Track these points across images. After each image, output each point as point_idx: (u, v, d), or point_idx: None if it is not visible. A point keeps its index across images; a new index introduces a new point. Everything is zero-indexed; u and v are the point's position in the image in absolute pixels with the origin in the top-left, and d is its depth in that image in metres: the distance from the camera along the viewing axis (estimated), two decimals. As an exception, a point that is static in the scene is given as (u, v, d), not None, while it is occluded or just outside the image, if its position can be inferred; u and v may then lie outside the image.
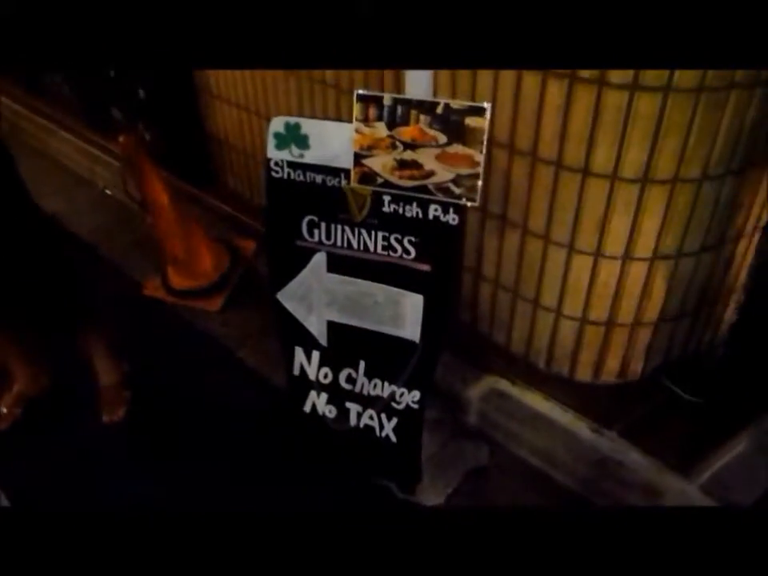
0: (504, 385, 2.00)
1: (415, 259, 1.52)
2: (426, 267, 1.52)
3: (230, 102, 2.64)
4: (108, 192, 3.25)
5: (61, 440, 2.00)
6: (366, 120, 1.43)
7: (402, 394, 1.68)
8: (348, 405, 1.76)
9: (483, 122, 1.35)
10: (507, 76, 1.63)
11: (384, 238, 1.53)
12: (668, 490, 1.67)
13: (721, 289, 1.87)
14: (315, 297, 1.66)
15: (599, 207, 1.65)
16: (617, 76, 1.46)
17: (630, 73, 1.45)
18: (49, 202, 3.31)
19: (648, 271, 1.72)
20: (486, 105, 1.33)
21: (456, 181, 1.41)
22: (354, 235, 1.56)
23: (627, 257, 1.70)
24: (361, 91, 1.41)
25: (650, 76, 1.44)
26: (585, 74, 1.50)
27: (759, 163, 1.63)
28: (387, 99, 1.40)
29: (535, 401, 1.94)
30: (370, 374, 1.70)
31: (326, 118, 2.22)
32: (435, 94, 1.78)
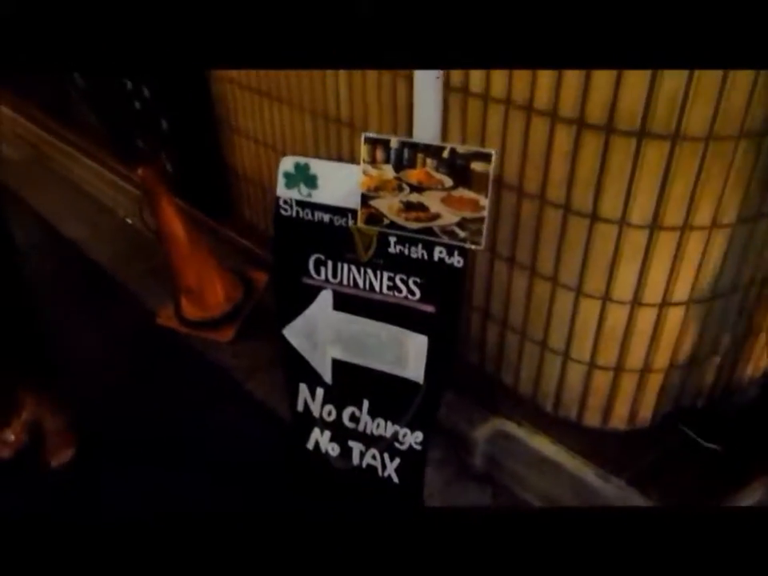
0: (510, 427, 1.98)
1: (420, 300, 1.53)
2: (430, 308, 1.52)
3: (249, 136, 2.69)
4: (128, 220, 3.31)
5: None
6: (373, 162, 1.45)
7: (404, 435, 1.66)
8: (351, 443, 1.75)
9: (489, 168, 1.35)
10: (516, 120, 1.65)
11: (389, 278, 1.54)
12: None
13: (734, 336, 1.85)
14: (320, 334, 1.67)
15: (607, 252, 1.64)
16: (624, 123, 1.47)
17: (638, 120, 1.45)
18: (71, 229, 3.40)
19: (657, 317, 1.70)
20: (492, 151, 1.34)
21: (461, 224, 1.42)
22: (359, 274, 1.57)
23: (636, 302, 1.69)
24: (368, 134, 1.43)
25: (658, 123, 1.44)
26: (592, 119, 1.51)
27: (771, 212, 1.62)
28: (394, 142, 1.42)
29: (542, 444, 1.91)
30: (373, 413, 1.69)
31: (339, 156, 2.25)
32: (445, 135, 1.81)
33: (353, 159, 1.46)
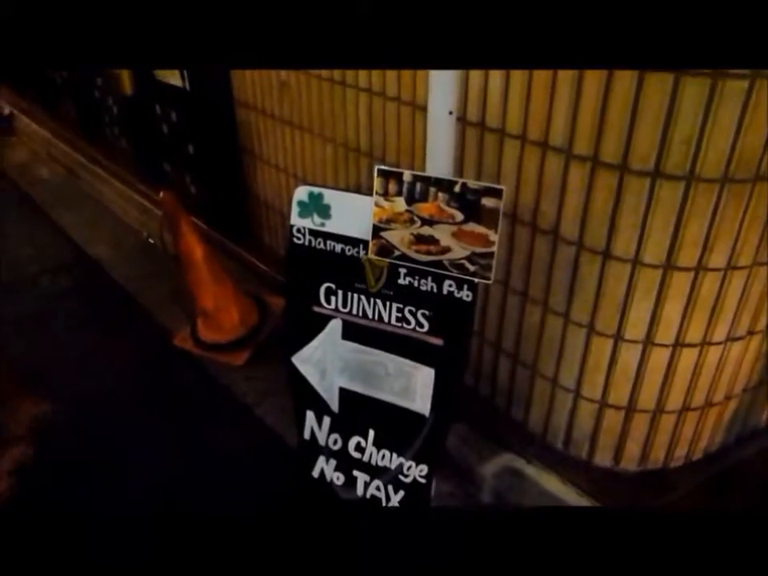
0: (520, 464, 1.95)
1: (428, 332, 1.53)
2: (438, 341, 1.52)
3: (270, 163, 2.74)
4: (151, 241, 3.37)
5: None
6: (386, 194, 1.47)
7: (409, 467, 1.65)
8: (356, 473, 1.74)
9: (499, 203, 1.36)
10: (531, 156, 1.65)
11: (398, 310, 1.54)
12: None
13: (749, 381, 1.81)
14: (329, 363, 1.67)
15: (620, 290, 1.62)
16: (638, 162, 1.46)
17: (652, 160, 1.45)
18: (96, 249, 3.47)
19: (670, 358, 1.68)
20: (502, 186, 1.35)
21: (471, 258, 1.42)
22: (369, 305, 1.57)
23: (648, 342, 1.67)
24: (381, 167, 1.45)
25: (672, 164, 1.44)
26: (607, 158, 1.51)
27: (789, 255, 1.60)
28: (407, 176, 1.43)
29: (550, 483, 1.88)
30: (378, 444, 1.69)
31: (358, 185, 2.28)
32: (461, 170, 1.82)
33: (371, 188, 1.47)
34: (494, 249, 1.39)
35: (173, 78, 2.90)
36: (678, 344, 1.65)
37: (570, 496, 1.84)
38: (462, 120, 1.75)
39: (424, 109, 1.84)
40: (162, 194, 2.36)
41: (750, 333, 1.70)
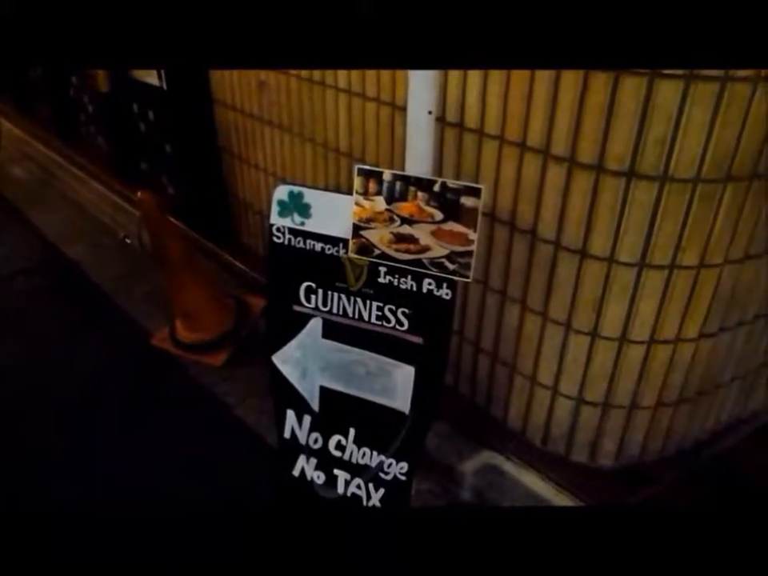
0: (499, 461, 1.97)
1: (408, 331, 1.54)
2: (418, 339, 1.53)
3: (250, 162, 2.73)
4: (128, 241, 3.34)
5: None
6: (365, 193, 1.48)
7: (389, 465, 1.66)
8: (336, 472, 1.75)
9: (478, 202, 1.38)
10: (510, 157, 1.68)
11: (378, 308, 1.55)
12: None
13: (722, 376, 1.85)
14: (309, 361, 1.68)
15: (596, 288, 1.65)
16: (614, 163, 1.49)
17: (627, 161, 1.48)
18: (73, 249, 3.43)
19: (645, 355, 1.71)
20: (481, 186, 1.36)
21: (450, 257, 1.43)
22: (349, 304, 1.58)
23: (624, 339, 1.70)
24: (361, 166, 1.46)
25: (647, 165, 1.47)
26: (583, 159, 1.53)
27: (759, 255, 1.63)
28: (387, 175, 1.44)
29: (529, 479, 1.91)
30: (359, 443, 1.69)
31: (338, 184, 2.28)
32: (440, 170, 1.84)
33: (351, 188, 1.48)
34: (473, 248, 1.40)
35: (149, 76, 2.88)
36: (653, 341, 1.69)
37: (548, 492, 1.87)
38: (441, 120, 1.77)
39: (403, 109, 1.85)
40: (139, 193, 2.34)
41: (722, 329, 1.74)
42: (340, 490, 1.76)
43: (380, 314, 1.55)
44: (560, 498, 1.85)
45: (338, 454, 1.73)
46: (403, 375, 1.57)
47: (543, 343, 1.82)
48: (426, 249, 1.45)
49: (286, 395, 1.73)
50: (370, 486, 1.71)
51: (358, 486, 1.72)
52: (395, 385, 1.59)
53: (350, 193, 1.50)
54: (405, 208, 1.45)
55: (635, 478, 1.88)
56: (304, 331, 1.65)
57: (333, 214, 1.53)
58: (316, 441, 1.75)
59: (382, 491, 1.70)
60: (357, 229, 1.50)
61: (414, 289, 1.49)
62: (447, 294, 1.47)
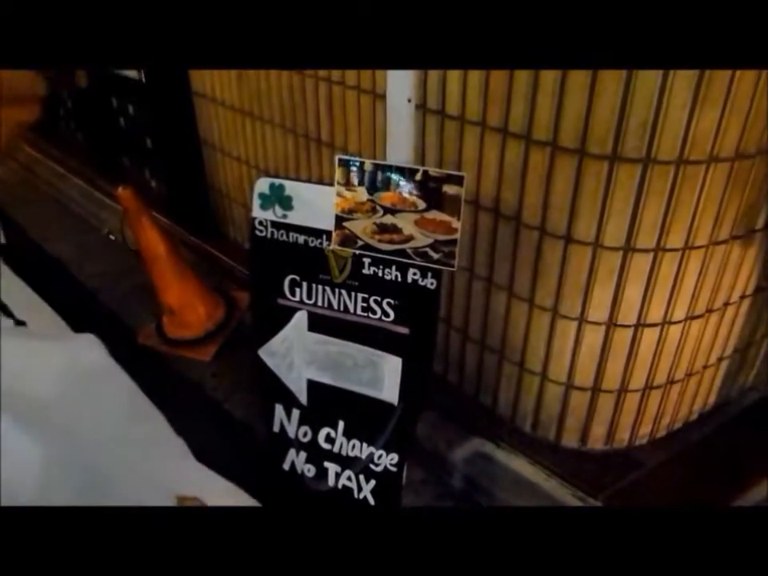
0: (489, 448, 1.97)
1: (394, 321, 1.53)
2: (404, 330, 1.52)
3: (231, 155, 2.70)
4: (112, 237, 3.31)
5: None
6: (347, 184, 1.46)
7: (380, 456, 1.66)
8: (327, 465, 1.74)
9: (461, 190, 1.36)
10: (492, 144, 1.66)
11: (363, 300, 1.54)
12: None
13: (708, 359, 1.85)
14: (296, 355, 1.67)
15: (582, 273, 1.65)
16: (596, 146, 1.48)
17: (609, 144, 1.46)
18: (56, 247, 3.39)
19: (633, 338, 1.71)
20: (463, 174, 1.35)
21: (434, 246, 1.42)
22: (334, 296, 1.57)
23: (611, 323, 1.69)
24: (342, 156, 1.44)
25: (630, 147, 1.46)
26: (566, 143, 1.52)
27: (744, 236, 1.63)
28: (368, 165, 1.43)
29: (520, 465, 1.91)
30: (348, 435, 1.69)
31: (320, 176, 2.26)
32: (423, 158, 1.82)
33: (332, 179, 1.47)
34: (457, 236, 1.39)
35: (128, 70, 2.84)
36: (640, 324, 1.68)
37: (539, 477, 1.87)
38: (422, 107, 1.74)
39: (384, 97, 1.84)
40: (120, 189, 2.31)
41: (709, 311, 1.74)
42: (330, 482, 1.75)
43: (365, 305, 1.54)
44: (550, 484, 1.86)
45: (327, 446, 1.72)
46: (390, 366, 1.56)
47: (531, 329, 1.81)
48: (410, 238, 1.44)
49: (273, 390, 1.72)
50: (361, 477, 1.70)
51: (349, 479, 1.72)
52: (383, 376, 1.58)
53: (332, 184, 1.48)
54: (387, 198, 1.44)
55: (625, 462, 1.89)
56: (289, 325, 1.64)
57: (315, 206, 1.51)
58: (305, 434, 1.74)
59: (373, 482, 1.69)
60: (339, 220, 1.48)
61: (399, 279, 1.48)
62: (432, 284, 1.46)
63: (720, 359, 1.89)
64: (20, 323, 1.85)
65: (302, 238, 1.55)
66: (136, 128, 3.09)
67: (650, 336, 1.71)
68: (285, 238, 1.56)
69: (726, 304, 1.77)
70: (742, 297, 1.78)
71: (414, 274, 1.47)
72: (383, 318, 1.53)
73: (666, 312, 1.68)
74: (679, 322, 1.71)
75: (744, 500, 1.75)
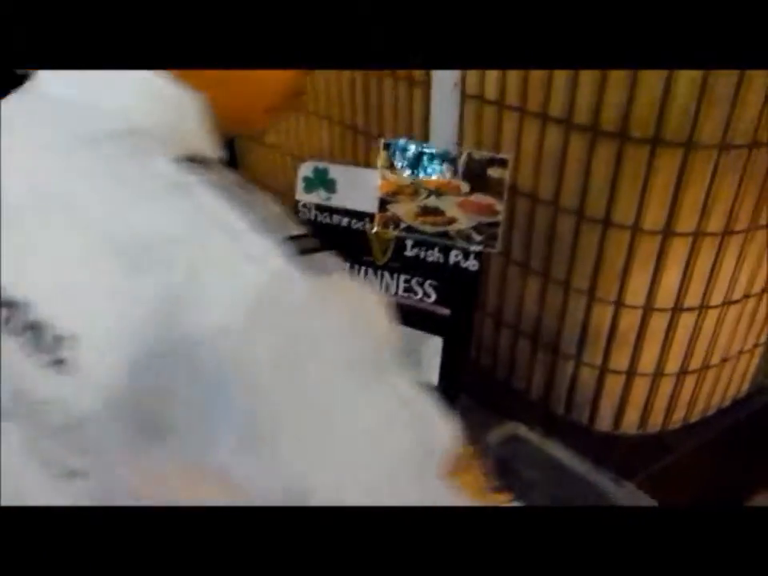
0: (522, 431, 1.99)
1: (435, 303, 1.55)
2: (445, 311, 1.55)
3: (263, 142, 2.74)
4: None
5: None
6: (391, 167, 1.48)
7: (418, 436, 1.69)
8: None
9: (504, 173, 1.39)
10: (531, 129, 1.68)
11: (405, 281, 1.57)
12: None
13: (745, 344, 1.86)
14: (337, 336, 1.70)
15: (620, 257, 1.66)
16: (638, 130, 1.49)
17: (651, 128, 1.48)
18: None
19: (669, 322, 1.72)
20: (507, 156, 1.37)
21: (477, 228, 1.45)
22: (376, 277, 1.60)
23: (648, 307, 1.71)
24: (387, 140, 1.47)
25: (671, 131, 1.47)
26: (607, 127, 1.54)
27: (783, 219, 1.64)
28: (412, 148, 1.45)
29: (553, 449, 1.93)
30: (387, 415, 1.72)
31: (355, 163, 2.28)
32: (461, 142, 1.84)
33: (368, 167, 1.49)
34: (500, 218, 1.42)
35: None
36: (677, 308, 1.70)
37: (573, 461, 1.89)
38: (461, 93, 1.76)
39: (421, 83, 1.86)
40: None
41: (746, 296, 1.75)
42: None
43: (407, 286, 1.57)
44: (583, 467, 1.87)
45: (366, 426, 1.75)
46: (430, 347, 1.59)
47: (566, 313, 1.83)
48: (453, 221, 1.47)
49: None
50: (399, 457, 1.73)
51: (387, 458, 1.75)
52: (422, 357, 1.61)
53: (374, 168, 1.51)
54: (430, 181, 1.46)
55: (658, 447, 1.91)
56: (331, 306, 1.67)
57: (358, 189, 1.54)
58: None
59: (410, 462, 1.73)
60: (383, 203, 1.51)
61: (441, 261, 1.51)
62: (474, 266, 1.48)
63: (756, 345, 1.90)
64: None
65: (345, 221, 1.58)
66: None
67: (686, 320, 1.72)
68: (328, 220, 1.60)
69: (764, 290, 1.78)
70: (779, 282, 1.79)
71: (457, 255, 1.49)
72: (425, 299, 1.56)
73: (704, 296, 1.69)
74: (716, 306, 1.72)
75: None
